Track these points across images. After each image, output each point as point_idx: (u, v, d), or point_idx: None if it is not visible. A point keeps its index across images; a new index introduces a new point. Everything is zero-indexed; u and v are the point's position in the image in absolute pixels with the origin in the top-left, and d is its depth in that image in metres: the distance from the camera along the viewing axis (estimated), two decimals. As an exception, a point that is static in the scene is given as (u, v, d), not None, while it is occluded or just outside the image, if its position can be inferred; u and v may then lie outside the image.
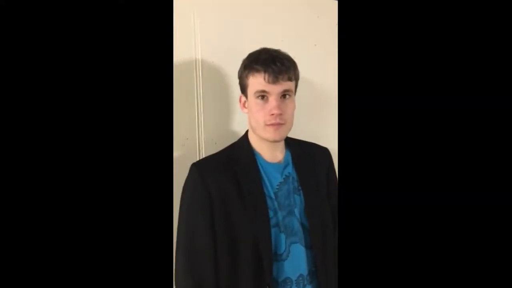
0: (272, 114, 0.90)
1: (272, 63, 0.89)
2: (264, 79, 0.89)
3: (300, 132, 1.07)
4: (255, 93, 0.91)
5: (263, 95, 0.91)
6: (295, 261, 0.93)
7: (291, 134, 0.99)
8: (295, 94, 0.97)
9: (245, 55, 0.96)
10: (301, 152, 1.02)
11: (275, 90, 0.90)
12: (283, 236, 0.93)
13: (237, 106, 1.08)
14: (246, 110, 0.97)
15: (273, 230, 0.92)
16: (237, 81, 1.00)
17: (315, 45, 1.25)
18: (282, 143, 1.00)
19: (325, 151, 1.06)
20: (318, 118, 1.27)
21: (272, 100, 0.90)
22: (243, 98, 0.98)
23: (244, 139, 1.00)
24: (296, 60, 0.95)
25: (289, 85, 0.92)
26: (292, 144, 1.03)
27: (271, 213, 0.93)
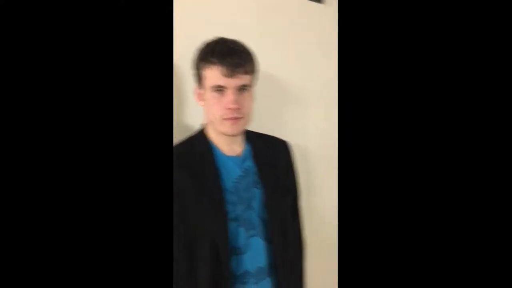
0: (229, 109, 0.89)
1: (228, 56, 0.87)
2: (221, 72, 0.87)
3: (265, 125, 1.07)
4: (211, 87, 0.89)
5: (219, 89, 0.89)
6: (254, 254, 0.93)
7: (256, 128, 0.99)
8: (254, 86, 0.96)
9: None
10: (261, 145, 1.01)
11: (231, 83, 0.88)
12: (242, 230, 0.92)
13: (190, 98, 1.05)
14: (202, 103, 0.95)
15: (231, 224, 0.91)
16: (188, 72, 0.96)
17: (280, 39, 1.23)
18: (241, 136, 0.99)
19: (285, 144, 1.07)
20: (284, 112, 1.26)
21: (229, 94, 0.88)
22: (199, 90, 0.95)
23: (201, 132, 0.98)
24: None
25: (247, 79, 0.91)
26: (251, 137, 1.02)
27: (229, 207, 0.92)
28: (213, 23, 1.11)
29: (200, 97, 0.95)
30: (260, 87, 1.07)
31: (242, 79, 0.89)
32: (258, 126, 1.06)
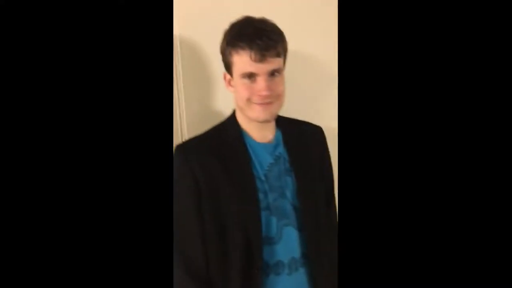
0: (261, 96, 0.84)
1: (257, 39, 0.82)
2: (250, 57, 0.82)
3: (296, 109, 1.03)
4: (241, 73, 0.85)
5: (250, 75, 0.85)
6: (287, 244, 0.90)
7: (287, 112, 0.94)
8: (284, 67, 0.91)
9: (225, 26, 0.89)
10: (293, 131, 0.97)
11: (263, 69, 0.83)
12: (274, 219, 0.89)
13: (221, 82, 1.02)
14: (232, 89, 0.91)
15: (263, 213, 0.88)
16: (219, 55, 0.93)
17: (308, 15, 1.16)
18: (273, 122, 0.95)
19: (318, 130, 1.02)
20: (315, 94, 1.21)
21: (260, 80, 0.84)
22: (228, 76, 0.91)
23: (231, 119, 0.95)
24: (287, 33, 0.88)
25: (278, 62, 0.86)
26: (283, 123, 0.97)
27: (261, 196, 0.89)
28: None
29: (230, 83, 0.91)
30: (295, 68, 1.03)
31: (274, 63, 0.84)
32: (291, 110, 1.01)
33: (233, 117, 0.95)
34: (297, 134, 0.97)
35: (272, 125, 0.95)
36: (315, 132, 1.01)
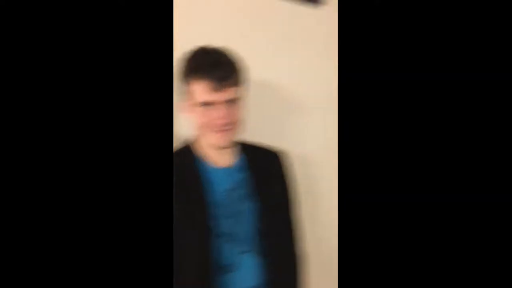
0: (218, 123, 0.84)
1: (214, 69, 0.82)
2: (208, 87, 0.83)
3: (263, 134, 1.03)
4: (199, 102, 0.85)
5: (208, 104, 0.85)
6: (246, 272, 0.88)
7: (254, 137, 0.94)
8: (243, 94, 0.91)
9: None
10: (254, 156, 0.96)
11: (220, 98, 0.84)
12: (232, 246, 0.87)
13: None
14: (190, 115, 0.90)
15: (220, 240, 0.86)
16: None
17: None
18: (233, 147, 0.94)
19: (277, 154, 1.01)
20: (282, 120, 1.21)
21: (218, 109, 0.84)
22: (186, 103, 0.90)
23: (187, 144, 0.94)
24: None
25: (235, 91, 0.86)
26: (244, 148, 0.97)
27: (217, 221, 0.87)
28: (209, 32, 1.06)
29: (188, 109, 0.90)
30: (258, 95, 1.03)
31: (230, 93, 0.85)
32: (255, 135, 1.01)
33: (189, 142, 0.94)
34: (258, 159, 0.96)
35: (232, 150, 0.94)
36: (275, 156, 1.00)
